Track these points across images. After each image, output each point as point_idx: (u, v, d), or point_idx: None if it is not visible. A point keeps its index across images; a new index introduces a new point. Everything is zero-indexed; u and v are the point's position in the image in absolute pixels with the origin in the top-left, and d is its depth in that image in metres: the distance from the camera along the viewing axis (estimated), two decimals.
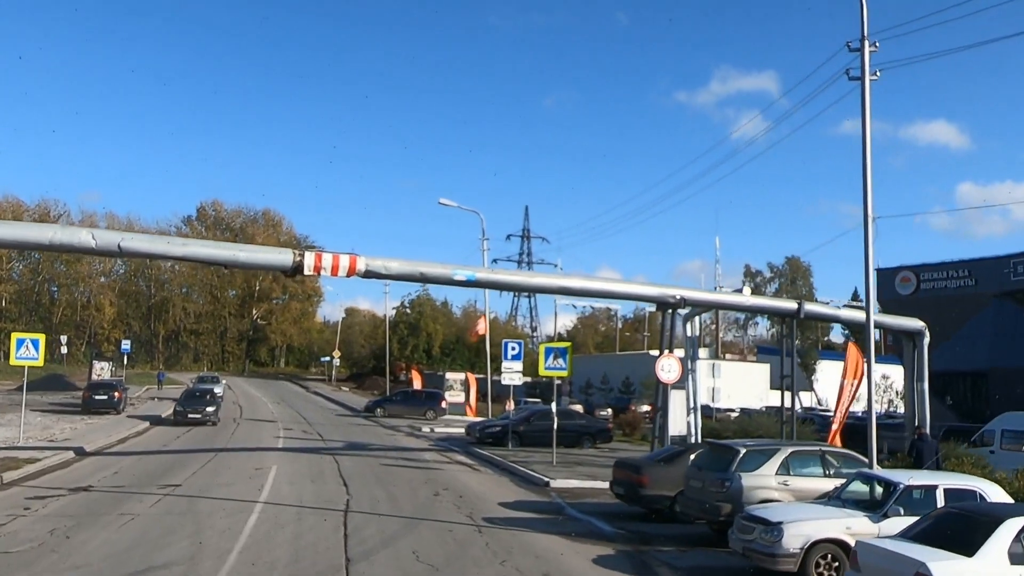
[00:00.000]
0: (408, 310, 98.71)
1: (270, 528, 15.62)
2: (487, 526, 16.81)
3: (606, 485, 22.83)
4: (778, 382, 76.83)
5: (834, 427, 25.89)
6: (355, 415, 55.17)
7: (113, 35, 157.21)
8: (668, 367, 24.41)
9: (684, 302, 25.54)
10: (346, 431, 40.75)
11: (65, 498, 18.70)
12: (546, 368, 27.22)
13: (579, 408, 46.45)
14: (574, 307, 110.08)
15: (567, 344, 28.29)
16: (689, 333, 29.07)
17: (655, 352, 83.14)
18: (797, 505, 14.17)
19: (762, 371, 75.91)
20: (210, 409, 40.40)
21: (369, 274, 22.48)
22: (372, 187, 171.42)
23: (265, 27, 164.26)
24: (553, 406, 28.84)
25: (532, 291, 25.03)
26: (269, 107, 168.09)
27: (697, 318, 30.09)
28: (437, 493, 21.21)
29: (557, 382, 29.92)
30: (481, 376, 67.07)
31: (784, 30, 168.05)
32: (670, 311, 25.80)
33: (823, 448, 16.69)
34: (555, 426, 28.05)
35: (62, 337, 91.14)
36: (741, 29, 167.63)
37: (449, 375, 63.45)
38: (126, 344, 76.79)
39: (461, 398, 60.39)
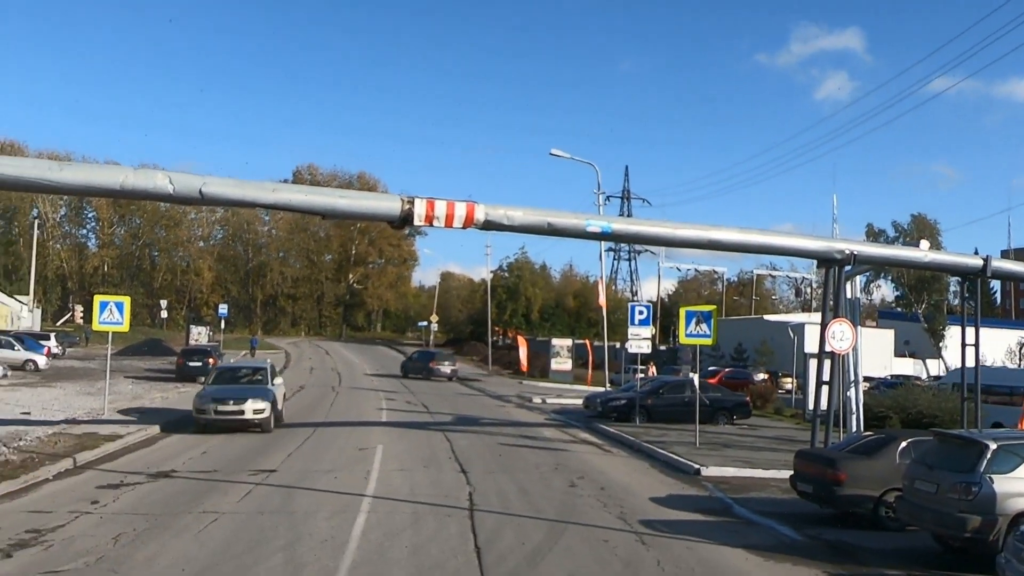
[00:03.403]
0: (506, 274, 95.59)
1: (382, 536, 12.43)
2: (648, 533, 13.37)
3: (768, 474, 19.52)
4: (903, 349, 72.01)
5: None
6: (459, 382, 52.32)
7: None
8: (841, 334, 20.49)
9: (854, 258, 21.52)
10: (452, 402, 37.80)
11: (142, 487, 15.90)
12: (687, 335, 23.67)
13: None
14: (677, 270, 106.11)
15: (711, 308, 24.65)
16: (850, 295, 25.02)
17: (770, 316, 79.11)
18: None
19: (886, 337, 70.72)
20: None
21: (488, 225, 19.08)
22: (464, 152, 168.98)
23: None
24: (696, 377, 25.30)
25: (676, 244, 21.61)
26: (365, 72, 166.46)
27: (858, 277, 26.01)
28: (573, 483, 17.85)
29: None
30: (581, 342, 63.92)
31: None
32: (835, 268, 21.85)
33: None
34: (699, 401, 24.48)
35: (162, 302, 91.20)
36: None
37: (555, 341, 59.98)
38: (223, 308, 75.50)
39: (568, 365, 57.21)
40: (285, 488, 16.05)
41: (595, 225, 19.85)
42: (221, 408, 23.30)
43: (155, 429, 23.57)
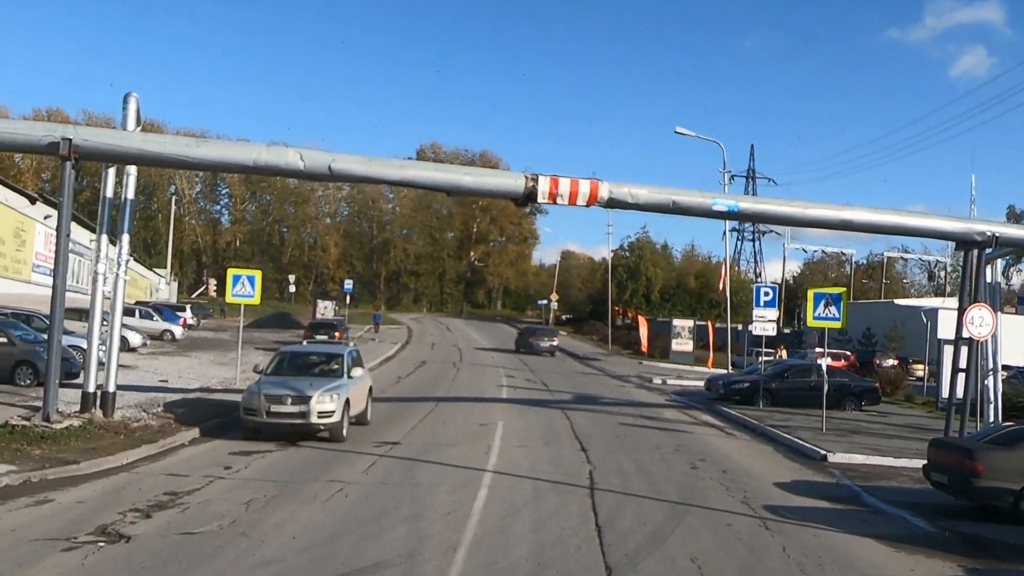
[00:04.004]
0: (627, 253, 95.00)
1: (503, 512, 12.52)
2: (773, 519, 13.10)
3: (899, 463, 18.90)
4: None
5: None
6: (578, 361, 52.47)
7: None
8: (979, 319, 19.70)
9: (995, 240, 20.56)
10: (571, 380, 37.85)
11: (271, 455, 16.39)
12: (815, 318, 23.06)
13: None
14: (803, 251, 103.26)
15: (841, 290, 23.93)
16: (989, 278, 23.90)
17: (901, 300, 76.41)
18: None
19: None
20: None
21: (612, 203, 18.97)
22: (586, 130, 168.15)
23: None
24: (824, 362, 24.63)
25: (805, 224, 21.18)
26: (486, 51, 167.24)
27: (998, 261, 24.84)
28: (694, 465, 17.65)
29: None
30: (703, 323, 63.06)
31: None
32: (975, 251, 20.92)
33: None
34: (825, 384, 23.84)
35: (290, 276, 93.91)
36: None
37: (676, 322, 59.40)
38: (348, 284, 77.20)
39: (689, 346, 56.63)
40: (408, 460, 16.34)
41: (721, 204, 19.51)
42: (275, 408, 17.45)
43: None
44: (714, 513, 13.24)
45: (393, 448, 17.66)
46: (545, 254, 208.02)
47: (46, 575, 8.83)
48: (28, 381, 22.39)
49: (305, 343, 23.55)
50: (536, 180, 18.27)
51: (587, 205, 18.87)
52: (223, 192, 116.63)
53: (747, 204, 20.82)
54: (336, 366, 19.76)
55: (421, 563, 9.84)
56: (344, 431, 18.00)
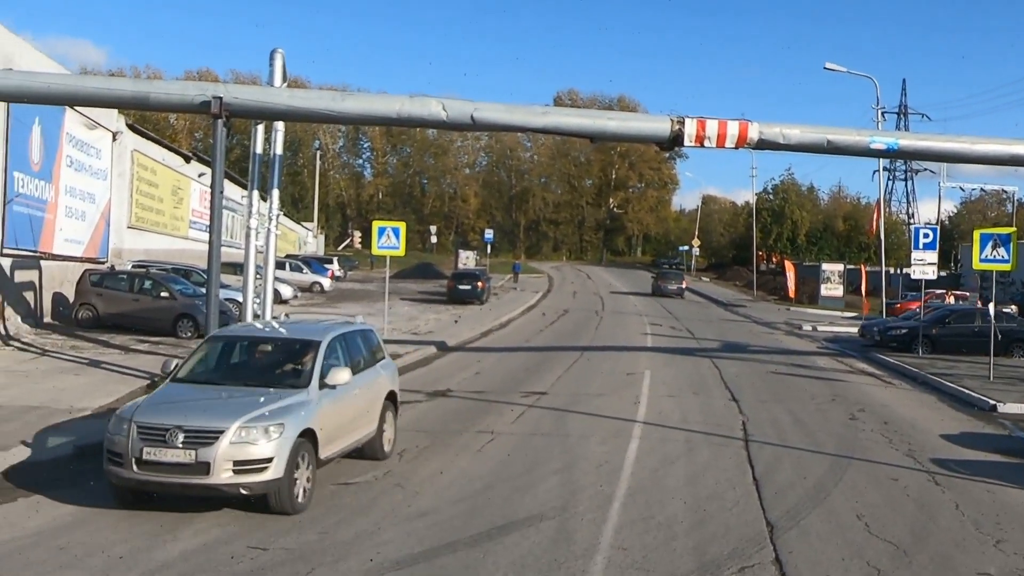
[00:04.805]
0: (771, 196, 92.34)
1: (656, 463, 12.28)
2: (941, 473, 12.41)
3: None
4: None
5: None
6: (723, 308, 51.51)
7: None
8: None
9: None
10: (717, 328, 37.07)
11: (422, 405, 16.56)
12: (982, 260, 21.73)
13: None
14: (960, 190, 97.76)
15: (1011, 230, 22.44)
16: None
17: None
18: None
19: None
20: None
21: (762, 144, 18.21)
22: (727, 71, 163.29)
23: None
24: (991, 307, 23.27)
25: (971, 161, 19.71)
26: None
27: None
28: (853, 416, 16.95)
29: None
30: (853, 267, 60.76)
31: None
32: None
33: None
34: (993, 330, 22.52)
35: (432, 227, 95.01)
36: None
37: (825, 266, 57.55)
38: (489, 234, 77.60)
39: (839, 291, 54.83)
40: (557, 411, 16.24)
41: (880, 141, 18.48)
42: (152, 454, 9.04)
43: (431, 348, 24.55)
44: (878, 467, 12.66)
45: (540, 398, 17.59)
46: (685, 199, 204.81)
47: (212, 516, 9.08)
48: (189, 333, 23.39)
49: (283, 316, 16.50)
50: (682, 123, 17.68)
51: (736, 147, 18.19)
52: (365, 146, 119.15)
53: (908, 141, 19.62)
54: (306, 363, 10.67)
55: (575, 516, 9.71)
56: (300, 494, 9.52)
